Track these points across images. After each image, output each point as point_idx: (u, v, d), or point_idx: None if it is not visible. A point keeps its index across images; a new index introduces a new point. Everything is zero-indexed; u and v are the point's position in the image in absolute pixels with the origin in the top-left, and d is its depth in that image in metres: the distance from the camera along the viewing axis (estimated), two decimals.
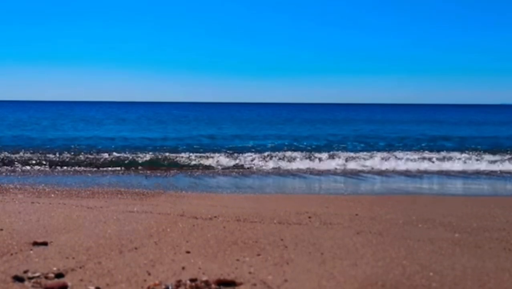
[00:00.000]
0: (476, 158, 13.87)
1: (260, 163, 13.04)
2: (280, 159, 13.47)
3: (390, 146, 18.41)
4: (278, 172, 11.78)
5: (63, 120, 38.67)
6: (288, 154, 14.47)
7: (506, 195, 8.77)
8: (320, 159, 13.37)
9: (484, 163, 13.03)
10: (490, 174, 11.71)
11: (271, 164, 12.80)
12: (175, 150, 15.98)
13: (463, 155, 14.44)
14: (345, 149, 16.98)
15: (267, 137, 23.19)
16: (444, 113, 74.31)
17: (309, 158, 13.59)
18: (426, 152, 15.70)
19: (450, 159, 13.67)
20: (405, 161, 13.19)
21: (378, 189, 9.39)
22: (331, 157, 13.77)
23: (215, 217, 5.34)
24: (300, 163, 12.94)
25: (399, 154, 14.47)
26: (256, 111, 74.69)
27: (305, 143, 19.28)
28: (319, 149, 16.62)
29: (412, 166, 12.64)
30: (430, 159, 13.55)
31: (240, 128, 30.18)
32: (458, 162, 13.17)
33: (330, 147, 17.96)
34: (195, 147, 17.37)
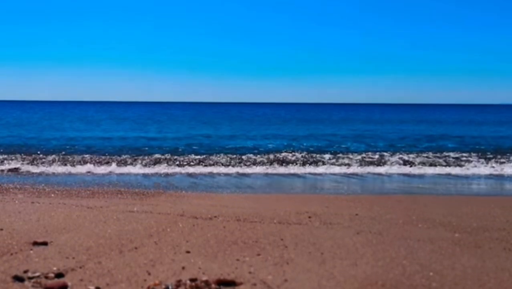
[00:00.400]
0: None
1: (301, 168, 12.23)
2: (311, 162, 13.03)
3: (411, 146, 18.42)
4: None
5: (61, 120, 38.70)
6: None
7: (506, 195, 8.77)
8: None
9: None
10: None
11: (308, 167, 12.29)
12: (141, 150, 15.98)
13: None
14: (348, 150, 16.98)
15: (266, 137, 23.20)
16: (443, 113, 74.42)
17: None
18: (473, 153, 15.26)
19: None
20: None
21: (378, 189, 9.40)
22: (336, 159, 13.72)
23: (215, 216, 5.34)
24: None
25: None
26: (255, 111, 74.77)
27: (304, 144, 19.26)
28: (320, 150, 16.63)
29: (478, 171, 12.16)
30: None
31: (240, 129, 30.21)
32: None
33: (331, 147, 17.99)
34: (194, 147, 17.36)
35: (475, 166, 12.64)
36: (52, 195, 7.26)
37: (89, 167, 11.67)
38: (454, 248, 4.06)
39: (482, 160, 13.65)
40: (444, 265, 3.51)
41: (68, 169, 11.58)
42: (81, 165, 12.10)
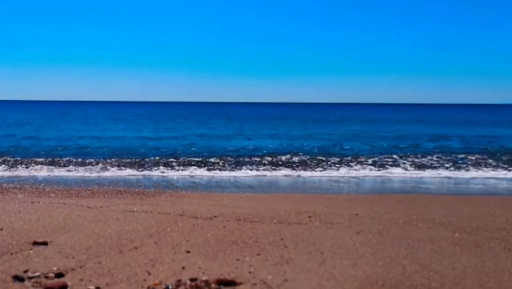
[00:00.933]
0: None
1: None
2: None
3: (413, 146, 18.13)
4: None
5: (59, 120, 38.71)
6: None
7: (506, 195, 8.77)
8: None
9: None
10: None
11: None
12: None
13: None
14: (353, 151, 16.84)
15: (268, 137, 23.15)
16: (442, 113, 74.42)
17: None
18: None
19: None
20: None
21: (378, 189, 9.39)
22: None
23: (215, 216, 5.34)
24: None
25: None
26: (254, 111, 74.79)
27: (309, 144, 19.14)
28: (325, 151, 16.50)
29: None
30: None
31: (238, 128, 30.18)
32: None
33: (333, 147, 17.88)
34: (193, 149, 17.32)
35: (506, 172, 11.66)
36: (52, 195, 7.25)
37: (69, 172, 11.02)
38: (454, 248, 4.06)
39: (501, 163, 13.00)
40: (444, 264, 3.51)
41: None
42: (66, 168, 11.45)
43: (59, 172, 11.01)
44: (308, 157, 14.17)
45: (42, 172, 11.05)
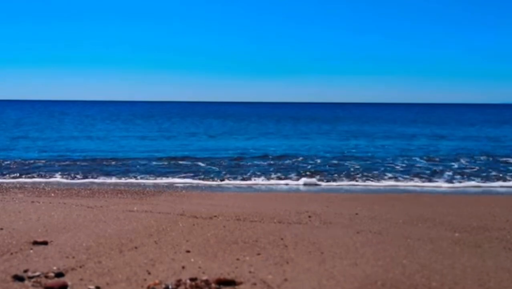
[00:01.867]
0: None
1: None
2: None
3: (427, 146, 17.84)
4: None
5: (55, 120, 38.74)
6: None
7: (506, 195, 8.76)
8: None
9: None
10: None
11: None
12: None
13: None
14: (361, 152, 16.75)
15: (265, 137, 23.12)
16: (441, 112, 74.38)
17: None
18: None
19: None
20: None
21: (377, 188, 9.37)
22: None
23: (215, 216, 5.34)
24: None
25: None
26: (251, 111, 74.73)
27: (307, 144, 19.13)
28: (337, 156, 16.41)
29: None
30: None
31: (236, 129, 30.14)
32: None
33: (340, 153, 17.84)
34: (185, 152, 17.25)
35: None
36: (52, 194, 7.25)
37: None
38: (454, 247, 4.06)
39: None
40: (444, 264, 3.51)
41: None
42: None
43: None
44: (320, 160, 13.24)
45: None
